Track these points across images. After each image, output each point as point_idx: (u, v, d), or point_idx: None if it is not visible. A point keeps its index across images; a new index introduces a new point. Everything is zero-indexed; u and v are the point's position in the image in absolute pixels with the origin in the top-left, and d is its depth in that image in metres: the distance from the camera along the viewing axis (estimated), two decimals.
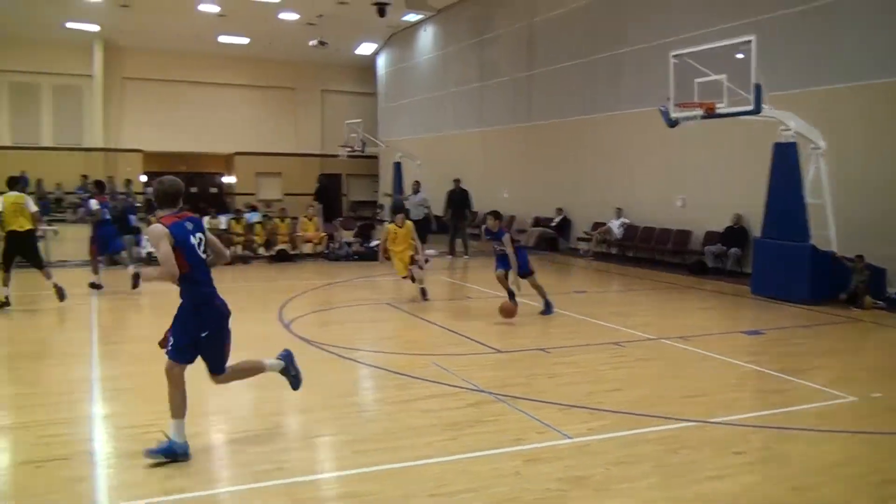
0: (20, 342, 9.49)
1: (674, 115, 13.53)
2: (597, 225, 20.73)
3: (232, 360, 5.75)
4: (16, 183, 12.20)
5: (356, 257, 18.55)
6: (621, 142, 20.07)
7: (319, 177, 26.75)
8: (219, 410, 6.63)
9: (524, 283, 11.48)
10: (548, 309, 11.51)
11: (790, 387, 7.56)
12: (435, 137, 29.72)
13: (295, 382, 6.22)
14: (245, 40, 32.38)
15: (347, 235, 20.58)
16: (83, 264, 15.31)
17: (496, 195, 24.15)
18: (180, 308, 5.44)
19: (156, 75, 34.20)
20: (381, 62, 35.73)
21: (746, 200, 15.59)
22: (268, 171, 35.96)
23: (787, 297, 13.02)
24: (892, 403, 7.05)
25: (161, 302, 13.54)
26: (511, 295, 11.43)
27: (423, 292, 12.78)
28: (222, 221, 18.35)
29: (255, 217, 19.47)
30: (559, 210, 22.21)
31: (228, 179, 37.95)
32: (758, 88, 12.16)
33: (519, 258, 11.39)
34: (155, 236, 5.27)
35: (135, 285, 12.10)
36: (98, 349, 8.87)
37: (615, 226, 19.85)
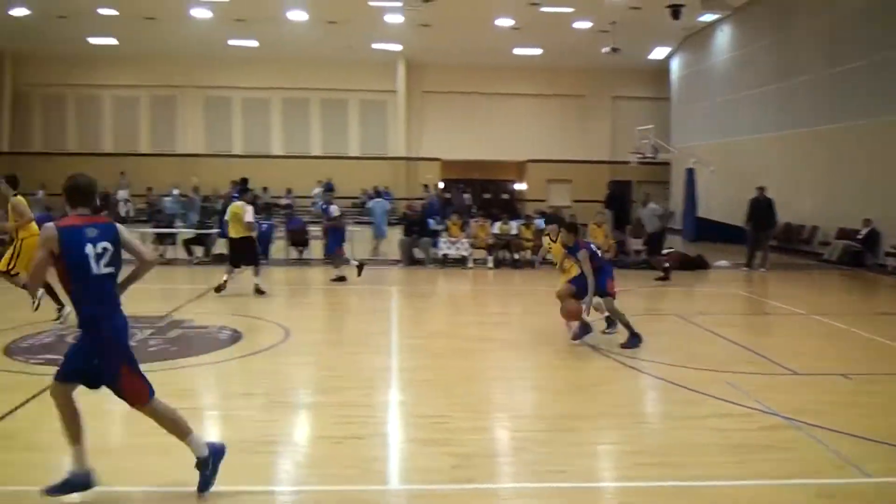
0: (322, 330, 10.47)
1: None
2: None
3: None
4: (244, 191, 13.93)
5: (645, 266, 18.15)
6: None
7: (609, 183, 26.54)
8: (504, 408, 6.86)
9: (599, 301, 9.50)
10: (631, 342, 9.30)
11: None
12: (729, 142, 28.29)
13: (203, 485, 4.78)
14: (538, 51, 33.12)
15: (637, 244, 20.21)
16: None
17: (796, 204, 22.45)
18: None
19: (453, 88, 36.13)
20: (675, 66, 34.75)
21: None
22: (558, 177, 36.47)
23: None
24: None
25: (455, 296, 14.38)
26: (584, 326, 9.46)
27: (584, 328, 9.55)
28: (513, 227, 18.95)
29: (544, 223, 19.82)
30: (867, 221, 20.03)
31: (520, 186, 39.05)
32: None
33: (599, 278, 9.30)
34: (40, 239, 4.67)
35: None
36: (397, 341, 9.54)
37: None
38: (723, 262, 18.95)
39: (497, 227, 18.73)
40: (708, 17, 29.07)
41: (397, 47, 32.97)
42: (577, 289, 9.37)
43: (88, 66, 34.49)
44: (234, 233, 13.26)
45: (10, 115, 35.37)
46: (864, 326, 10.80)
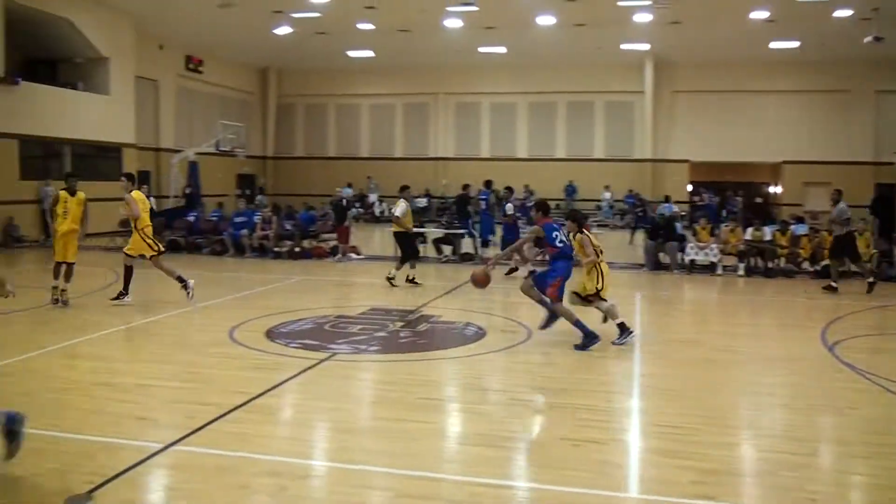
0: (563, 332, 10.38)
1: None
2: None
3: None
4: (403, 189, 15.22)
5: None
6: None
7: (877, 186, 24.13)
8: (751, 425, 6.44)
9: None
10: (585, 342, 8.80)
11: None
12: None
13: (11, 447, 4.90)
14: (795, 44, 30.89)
15: None
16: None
17: None
18: None
19: (703, 87, 34.60)
20: None
21: None
22: (815, 180, 33.80)
23: None
24: None
25: (702, 304, 13.76)
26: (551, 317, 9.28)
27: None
28: (767, 233, 17.74)
29: (801, 229, 18.43)
30: None
31: (775, 189, 36.68)
32: None
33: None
34: None
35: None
36: (639, 347, 9.26)
37: None
38: None
39: (749, 233, 17.62)
40: None
41: (645, 47, 32.19)
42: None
43: (347, 77, 37.15)
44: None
45: (275, 124, 39.00)
46: None
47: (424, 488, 4.83)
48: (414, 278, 14.25)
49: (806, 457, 5.60)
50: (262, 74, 38.30)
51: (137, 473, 5.03)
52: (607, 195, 34.48)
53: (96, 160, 26.68)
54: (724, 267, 17.10)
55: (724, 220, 21.83)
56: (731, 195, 32.33)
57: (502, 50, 32.14)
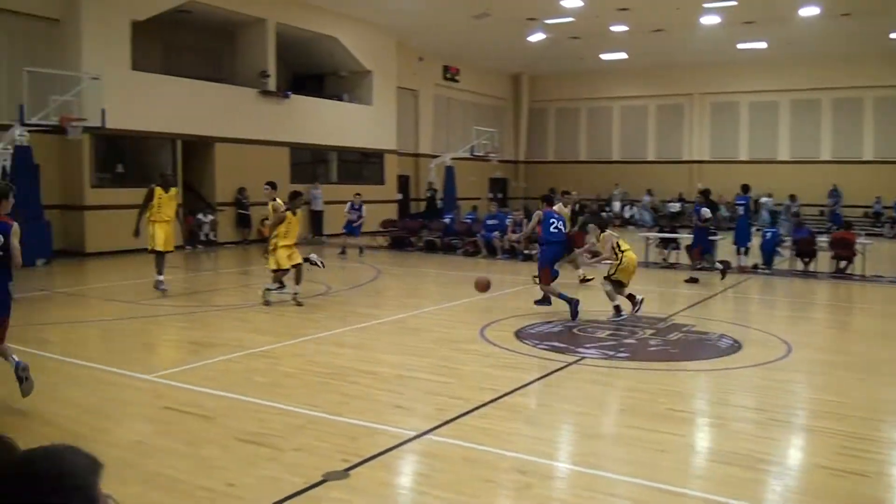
0: (827, 349, 9.61)
1: None
2: None
3: None
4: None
5: None
6: None
7: None
8: None
9: None
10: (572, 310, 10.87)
11: None
12: None
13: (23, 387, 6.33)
14: None
15: None
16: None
17: None
18: None
19: None
20: None
21: None
22: None
23: None
24: None
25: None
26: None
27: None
28: None
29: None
30: None
31: None
32: None
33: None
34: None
35: None
36: None
37: None
38: None
39: None
40: None
41: None
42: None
43: (598, 80, 36.86)
44: None
45: (527, 129, 39.56)
46: None
47: (668, 502, 4.70)
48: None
49: None
50: (514, 80, 39.09)
51: (392, 457, 5.36)
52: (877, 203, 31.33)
53: (360, 166, 28.73)
54: None
55: None
56: None
57: (762, 45, 30.27)
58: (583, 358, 8.45)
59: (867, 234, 20.31)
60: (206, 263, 18.83)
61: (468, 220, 22.57)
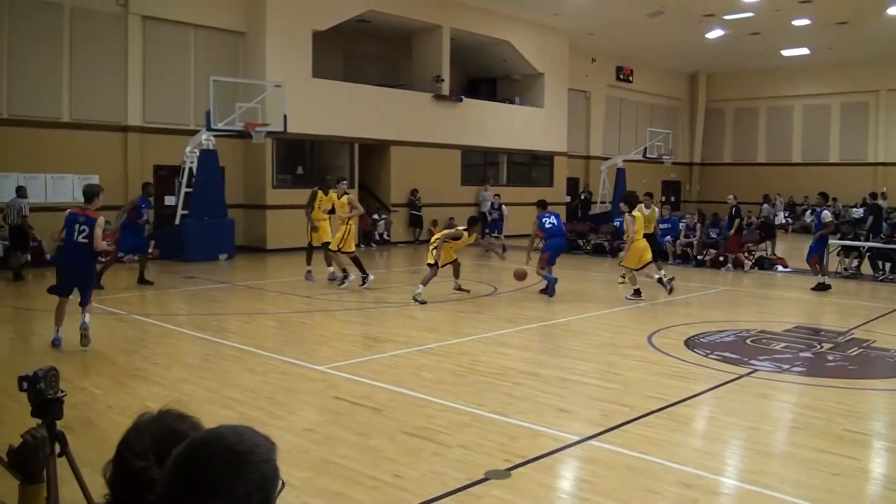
0: None
1: None
2: None
3: None
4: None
5: None
6: None
7: None
8: None
9: None
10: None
11: None
12: None
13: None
14: None
15: None
16: None
17: None
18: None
19: None
20: None
21: None
22: None
23: None
24: None
25: None
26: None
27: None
28: None
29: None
30: None
31: None
32: None
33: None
34: None
35: None
36: None
37: None
38: None
39: None
40: None
41: None
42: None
43: (779, 78, 34.94)
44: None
45: (703, 129, 38.12)
46: None
47: None
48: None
49: None
50: (691, 80, 37.83)
51: (553, 460, 5.37)
52: None
53: (529, 168, 28.82)
54: None
55: None
56: None
57: None
58: (755, 370, 8.08)
59: None
60: (379, 262, 19.50)
61: None
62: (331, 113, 21.07)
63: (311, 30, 20.70)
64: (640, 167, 31.50)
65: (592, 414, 6.48)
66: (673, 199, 35.90)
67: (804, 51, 31.05)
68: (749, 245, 19.22)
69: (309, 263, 14.18)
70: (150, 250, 14.94)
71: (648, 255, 12.92)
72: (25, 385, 2.18)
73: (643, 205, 14.26)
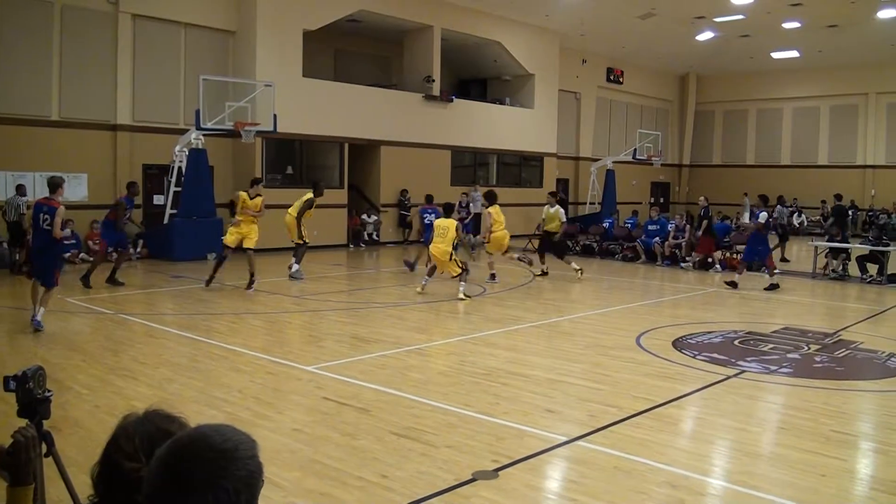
0: None
1: None
2: None
3: None
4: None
5: None
6: None
7: None
8: None
9: None
10: None
11: None
12: None
13: None
14: None
15: None
16: None
17: None
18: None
19: None
20: None
21: None
22: None
23: None
24: None
25: None
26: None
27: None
28: None
29: None
30: None
31: None
32: None
33: None
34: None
35: None
36: None
37: None
38: None
39: None
40: None
41: None
42: None
43: (769, 81, 35.06)
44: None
45: (692, 131, 38.25)
46: None
47: None
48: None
49: None
50: (681, 81, 37.92)
51: (541, 461, 5.38)
52: None
53: (519, 168, 28.85)
54: None
55: None
56: None
57: None
58: (743, 371, 8.12)
59: None
60: (368, 262, 19.48)
61: (628, 225, 22.14)
62: (321, 113, 21.03)
63: (301, 29, 20.65)
64: (630, 168, 31.57)
65: (580, 414, 6.49)
66: (662, 200, 36.00)
67: (794, 53, 31.19)
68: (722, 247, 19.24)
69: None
70: (138, 249, 14.96)
71: (507, 242, 14.99)
72: (13, 385, 2.17)
73: (548, 205, 16.74)
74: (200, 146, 17.82)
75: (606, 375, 7.84)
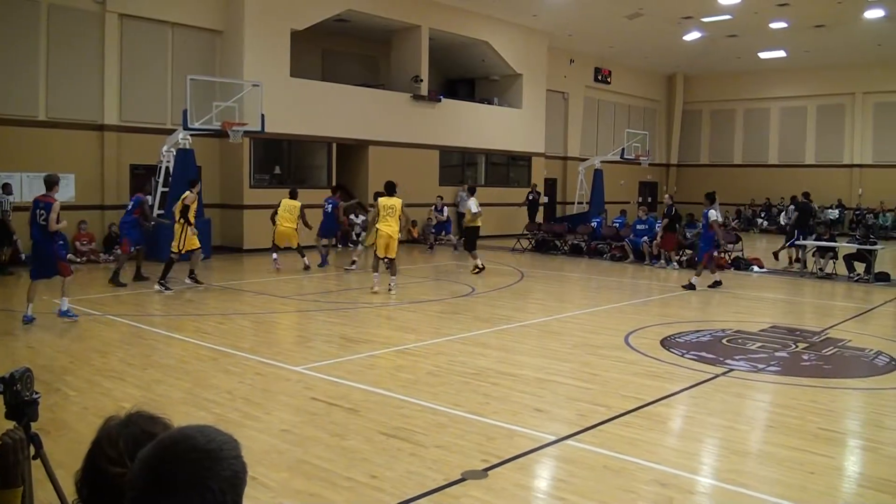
0: None
1: None
2: None
3: None
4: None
5: None
6: None
7: None
8: None
9: None
10: None
11: None
12: None
13: None
14: None
15: None
16: None
17: None
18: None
19: None
20: None
21: None
22: None
23: None
24: None
25: None
26: None
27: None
28: None
29: None
30: None
31: None
32: None
33: None
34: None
35: None
36: None
37: None
38: None
39: None
40: None
41: None
42: None
43: (756, 80, 35.23)
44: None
45: (680, 130, 38.39)
46: None
47: None
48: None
49: None
50: (668, 81, 38.06)
51: (530, 460, 5.39)
52: None
53: (507, 168, 28.88)
54: None
55: None
56: None
57: None
58: (731, 370, 8.16)
59: None
60: (356, 262, 19.43)
61: (616, 225, 22.20)
62: (309, 113, 20.99)
63: (289, 29, 20.60)
64: (618, 168, 31.65)
65: (569, 414, 6.51)
66: (650, 200, 36.11)
67: (781, 53, 31.33)
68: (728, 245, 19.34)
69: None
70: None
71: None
72: (0, 387, 2.16)
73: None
74: (188, 146, 17.74)
75: (595, 375, 7.86)
